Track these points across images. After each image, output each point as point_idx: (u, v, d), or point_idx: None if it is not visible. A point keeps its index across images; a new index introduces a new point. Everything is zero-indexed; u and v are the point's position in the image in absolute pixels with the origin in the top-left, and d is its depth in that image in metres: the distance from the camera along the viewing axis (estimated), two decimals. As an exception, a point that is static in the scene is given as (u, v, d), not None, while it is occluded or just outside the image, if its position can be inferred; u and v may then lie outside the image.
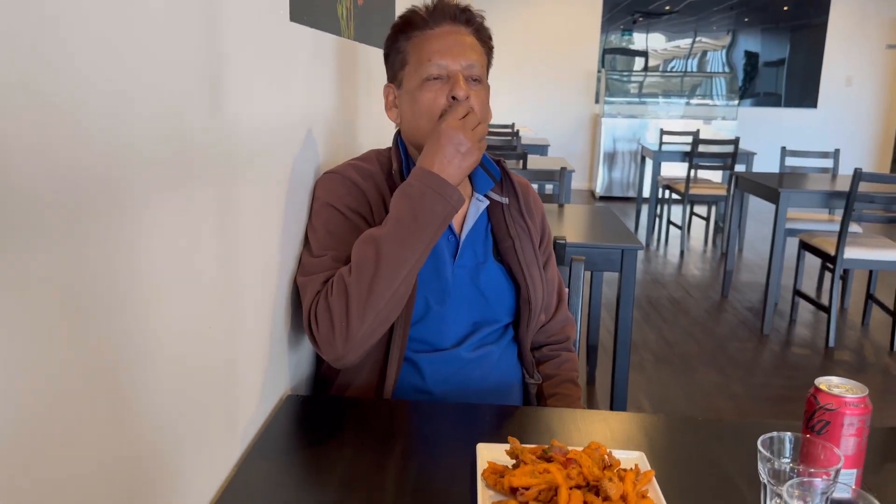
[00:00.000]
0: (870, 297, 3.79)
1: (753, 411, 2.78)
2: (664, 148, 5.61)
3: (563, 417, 1.07)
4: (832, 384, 0.83)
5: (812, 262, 4.85)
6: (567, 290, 1.34)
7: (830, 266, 3.44)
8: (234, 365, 0.91)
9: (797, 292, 3.82)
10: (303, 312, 1.07)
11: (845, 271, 4.03)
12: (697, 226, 6.23)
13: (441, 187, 1.01)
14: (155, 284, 0.69)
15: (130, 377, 0.66)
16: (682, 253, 5.34)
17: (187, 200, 0.75)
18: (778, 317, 3.88)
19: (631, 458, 0.89)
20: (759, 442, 0.79)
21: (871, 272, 3.79)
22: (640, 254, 5.14)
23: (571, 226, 2.50)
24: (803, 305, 4.06)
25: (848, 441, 0.80)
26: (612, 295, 3.93)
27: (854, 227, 3.86)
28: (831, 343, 3.46)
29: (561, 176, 3.14)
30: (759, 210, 6.75)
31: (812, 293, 4.28)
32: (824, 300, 3.93)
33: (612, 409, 2.49)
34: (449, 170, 1.02)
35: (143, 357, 0.67)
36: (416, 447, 0.96)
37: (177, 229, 0.73)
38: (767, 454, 0.78)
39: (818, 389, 0.82)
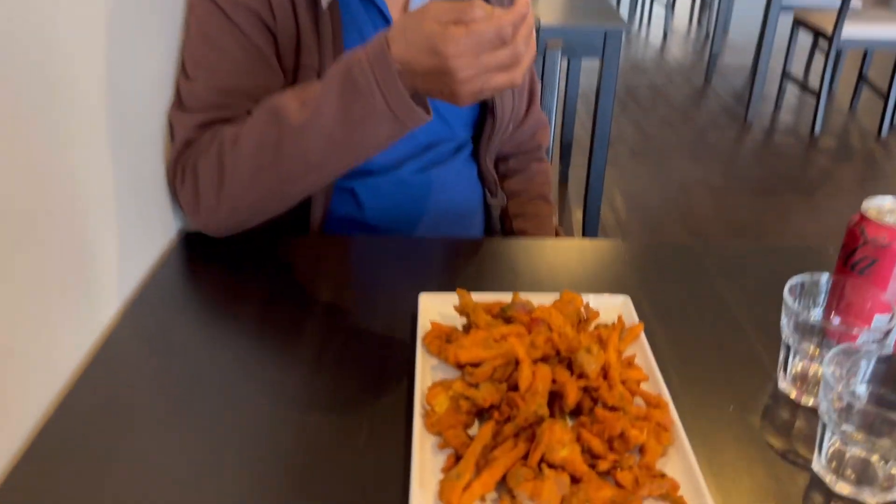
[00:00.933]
0: (861, 79, 3.55)
1: (733, 204, 2.65)
2: (651, -90, 4.98)
3: (529, 251, 0.88)
4: (884, 210, 0.62)
5: (801, 44, 4.51)
6: (540, 84, 1.08)
7: (824, 46, 3.14)
8: (89, 185, 0.67)
9: (786, 75, 3.55)
10: (168, 157, 0.81)
11: (838, 52, 3.74)
12: (683, 4, 5.75)
13: (403, 108, 0.65)
14: None
15: None
16: (664, 35, 4.95)
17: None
18: (762, 103, 3.65)
19: (613, 304, 0.70)
20: (786, 290, 0.60)
21: (865, 52, 3.50)
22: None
23: (544, 3, 2.16)
24: (790, 90, 3.81)
25: (898, 283, 0.62)
26: (587, 84, 3.63)
27: (853, 2, 3.51)
28: (817, 129, 3.27)
29: (534, -56, 2.69)
30: (748, -16, 6.22)
31: (799, 77, 4.01)
32: (812, 85, 3.68)
33: (585, 207, 2.33)
34: (420, 91, 0.66)
35: None
36: (346, 294, 0.76)
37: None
38: (795, 307, 0.59)
39: (865, 218, 0.62)
